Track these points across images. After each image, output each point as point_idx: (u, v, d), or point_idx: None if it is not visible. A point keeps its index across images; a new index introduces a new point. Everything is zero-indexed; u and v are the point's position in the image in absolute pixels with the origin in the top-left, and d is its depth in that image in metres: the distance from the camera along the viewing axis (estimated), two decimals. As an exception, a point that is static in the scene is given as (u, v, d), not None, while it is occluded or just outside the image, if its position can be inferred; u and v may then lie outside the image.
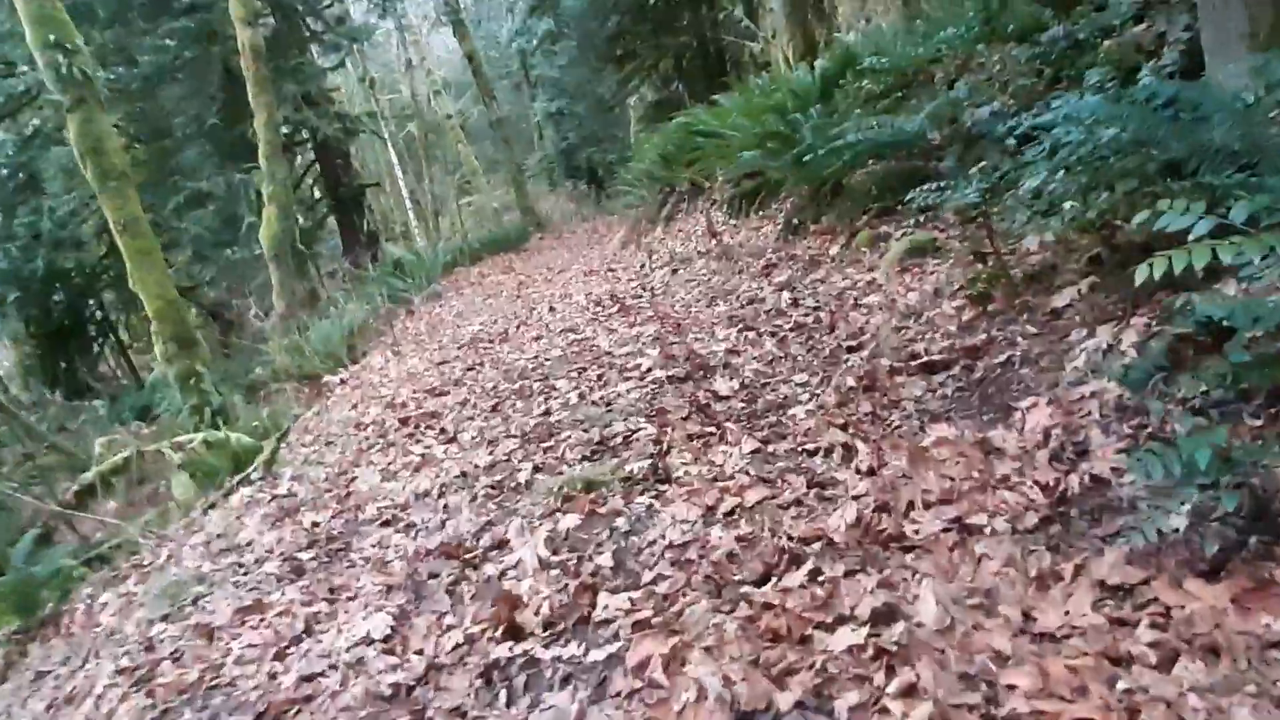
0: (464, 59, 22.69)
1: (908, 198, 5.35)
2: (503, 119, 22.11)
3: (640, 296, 7.77)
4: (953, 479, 2.55)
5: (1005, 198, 3.93)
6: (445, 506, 3.56)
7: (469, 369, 6.31)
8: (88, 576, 4.78)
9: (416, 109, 27.69)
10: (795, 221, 7.56)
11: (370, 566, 3.20)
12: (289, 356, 9.63)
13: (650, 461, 3.26)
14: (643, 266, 9.92)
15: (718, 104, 11.26)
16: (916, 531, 2.32)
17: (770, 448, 3.19)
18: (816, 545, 2.41)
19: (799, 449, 3.13)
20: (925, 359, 3.56)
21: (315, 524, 3.78)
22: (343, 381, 8.36)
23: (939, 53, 7.94)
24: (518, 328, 7.76)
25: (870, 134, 6.55)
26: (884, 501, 2.52)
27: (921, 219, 6.03)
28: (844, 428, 3.18)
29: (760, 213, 9.16)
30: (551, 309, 8.40)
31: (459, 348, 7.46)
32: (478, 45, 24.64)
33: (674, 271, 8.49)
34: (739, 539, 2.55)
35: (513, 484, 3.58)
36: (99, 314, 20.02)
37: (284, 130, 14.96)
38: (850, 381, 3.64)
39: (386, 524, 3.57)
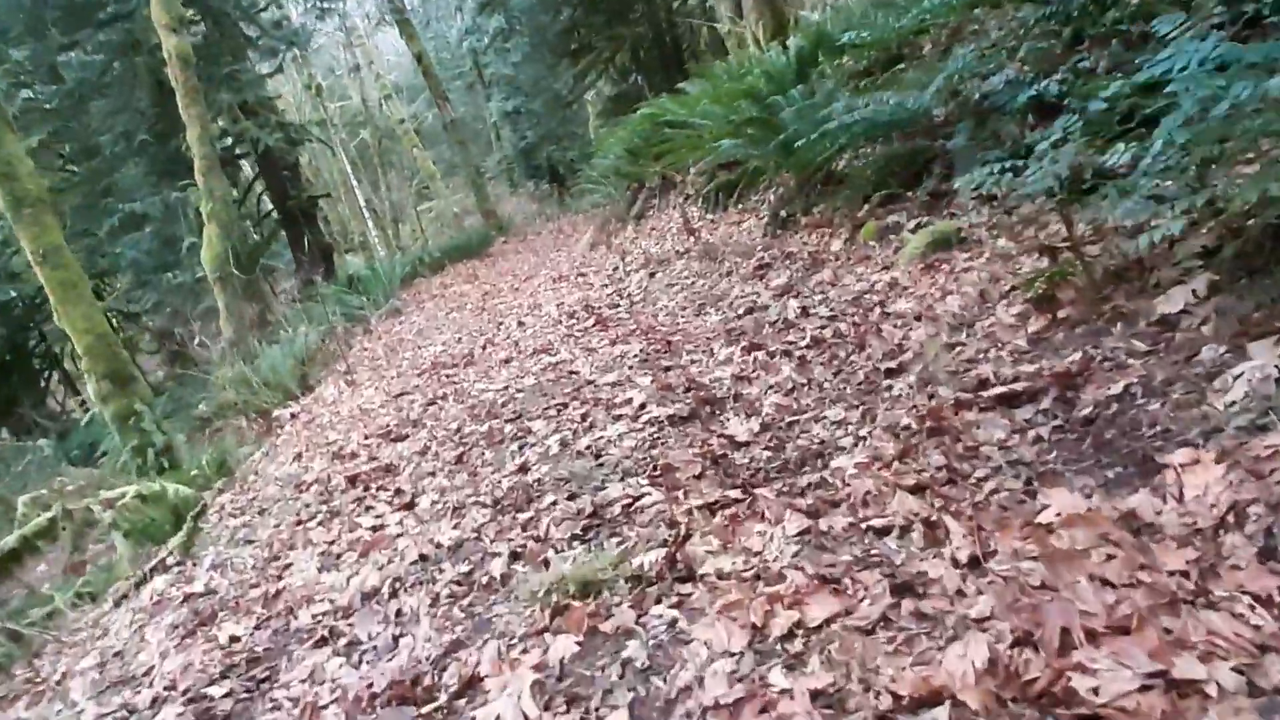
0: (414, 61, 21.64)
1: (956, 184, 4.56)
2: (457, 120, 21.12)
3: (618, 305, 6.94)
4: (1114, 585, 1.76)
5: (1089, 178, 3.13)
6: (399, 613, 2.71)
7: (430, 403, 5.44)
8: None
9: (368, 115, 26.58)
10: (783, 214, 6.77)
11: (300, 716, 2.35)
12: (234, 390, 8.68)
13: (664, 550, 2.44)
14: (615, 270, 9.08)
15: (683, 92, 10.44)
16: (1095, 691, 1.52)
17: (822, 523, 2.38)
18: (940, 714, 1.60)
19: (861, 524, 2.33)
20: (999, 387, 2.77)
21: (234, 639, 2.92)
22: (293, 416, 7.45)
23: (924, 22, 7.18)
24: (484, 348, 6.90)
25: (866, 113, 5.77)
26: (1023, 630, 1.72)
27: (935, 206, 5.26)
28: (916, 491, 2.38)
29: (740, 206, 8.38)
30: (520, 324, 7.54)
31: (419, 374, 6.58)
32: (427, 46, 23.59)
33: (652, 275, 7.67)
34: (815, 696, 1.73)
35: (485, 577, 2.74)
36: (42, 346, 18.79)
37: (224, 142, 13.91)
38: (905, 419, 2.85)
39: (323, 641, 2.71)
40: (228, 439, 8.53)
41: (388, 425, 5.24)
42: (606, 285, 8.27)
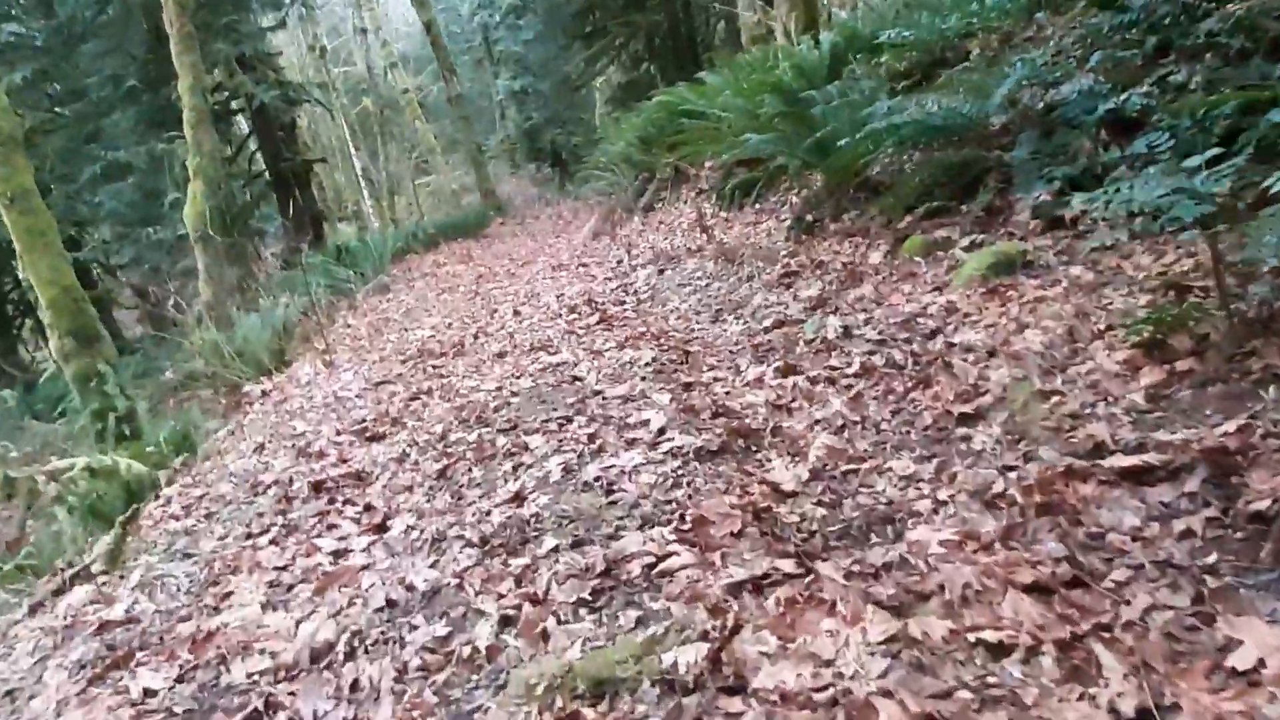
0: (423, 31, 20.90)
1: (1017, 199, 4.01)
2: (462, 95, 20.41)
3: (624, 303, 6.35)
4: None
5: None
6: (354, 685, 2.13)
7: (413, 398, 4.84)
8: None
9: (371, 82, 25.79)
10: (809, 219, 6.19)
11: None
12: (205, 358, 8.03)
13: (705, 644, 1.86)
14: (620, 263, 8.49)
15: (702, 82, 9.85)
16: None
17: (910, 627, 1.81)
18: None
19: (966, 635, 1.76)
20: (1122, 456, 2.21)
21: (149, 692, 2.32)
22: (264, 394, 6.82)
23: (972, 25, 6.62)
24: (475, 337, 6.29)
25: (915, 116, 5.21)
26: None
27: (989, 223, 4.70)
28: (1035, 591, 1.82)
29: (757, 205, 7.81)
30: (516, 313, 6.94)
31: (403, 361, 5.97)
32: (438, 17, 22.81)
33: (661, 271, 7.09)
34: None
35: (466, 647, 2.15)
36: (16, 292, 17.96)
37: (218, 96, 13.18)
38: (998, 483, 2.29)
39: (255, 717, 2.12)
40: (194, 411, 7.89)
41: (363, 420, 4.64)
42: (611, 279, 7.68)
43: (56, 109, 12.45)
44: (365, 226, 22.94)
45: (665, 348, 4.52)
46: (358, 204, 24.37)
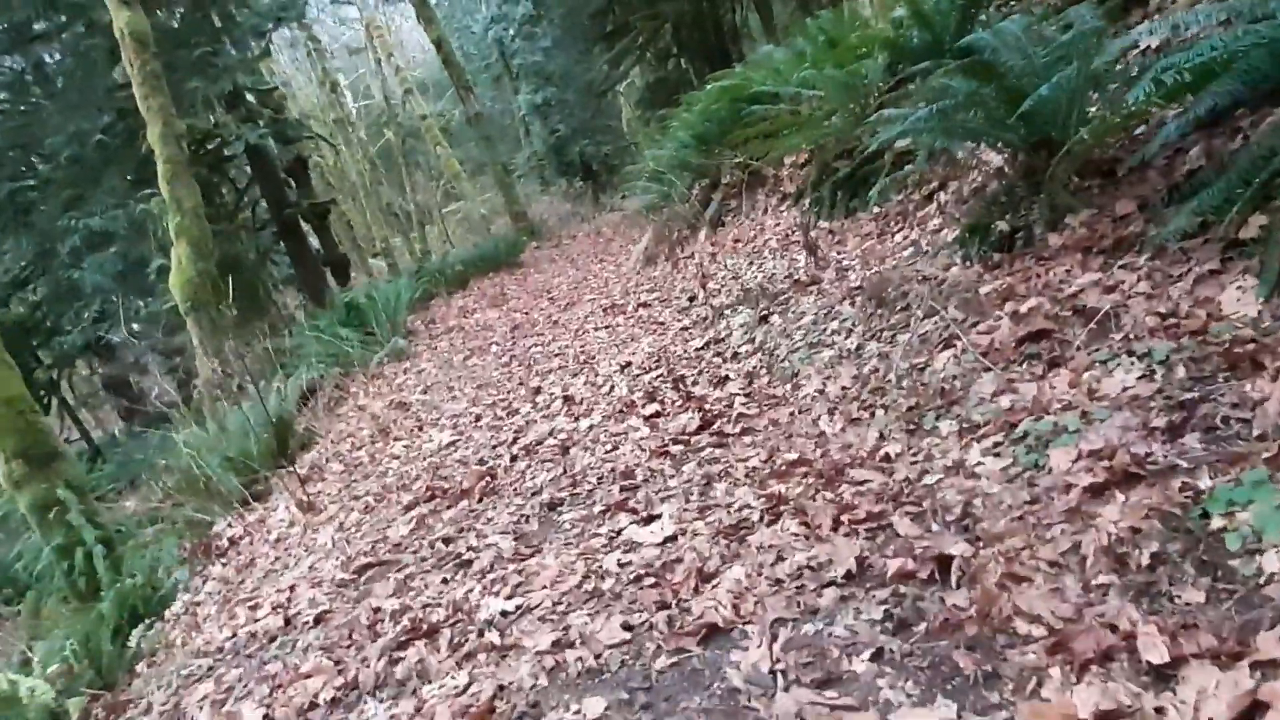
0: (435, 49, 18.84)
1: None
2: (482, 114, 18.31)
3: (726, 381, 4.10)
4: None
5: None
6: None
7: (405, 640, 2.60)
8: None
9: (390, 113, 23.84)
10: (1000, 227, 3.84)
11: None
12: (175, 485, 5.97)
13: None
14: (694, 301, 6.24)
15: (772, 57, 7.54)
16: None
17: None
18: None
19: None
20: None
21: None
22: (231, 543, 4.71)
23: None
24: (512, 456, 4.07)
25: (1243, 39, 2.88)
26: None
27: None
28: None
29: (875, 210, 5.50)
30: (568, 399, 4.71)
31: (406, 510, 3.76)
32: (450, 39, 20.74)
33: (764, 318, 4.81)
34: None
35: None
36: (37, 373, 16.27)
37: (208, 141, 11.18)
38: None
39: None
40: (166, 549, 5.82)
41: (334, 652, 2.45)
42: (689, 330, 5.43)
43: (32, 177, 10.55)
44: (395, 264, 20.98)
45: (866, 526, 2.25)
46: (386, 241, 22.43)
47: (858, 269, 4.90)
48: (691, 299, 6.32)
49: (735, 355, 4.48)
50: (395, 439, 5.05)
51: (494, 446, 4.29)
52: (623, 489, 3.11)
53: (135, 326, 10.51)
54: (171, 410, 8.02)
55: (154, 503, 6.04)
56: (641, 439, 3.59)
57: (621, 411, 4.13)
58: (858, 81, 5.90)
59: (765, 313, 4.89)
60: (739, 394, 3.84)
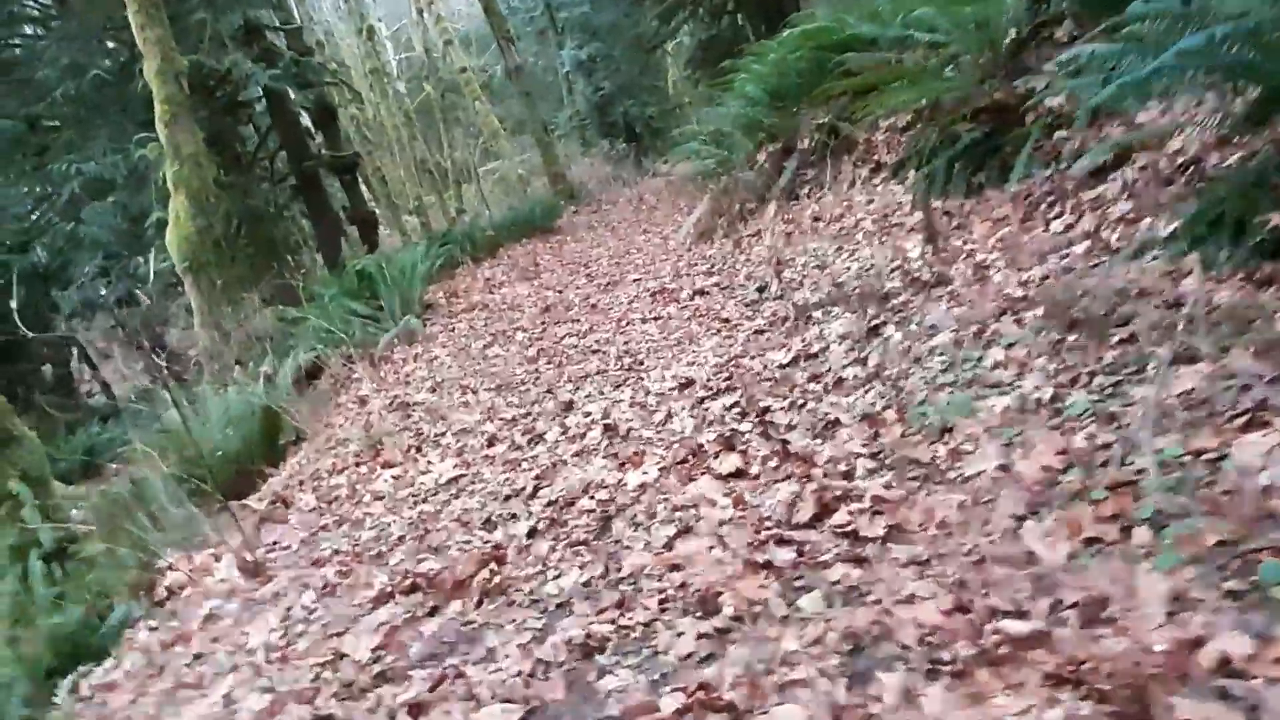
0: (481, 10, 17.39)
1: None
2: (522, 68, 16.91)
3: (832, 426, 2.81)
4: None
5: None
6: None
7: None
8: None
9: (430, 65, 22.46)
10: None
11: None
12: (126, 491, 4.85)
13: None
14: (763, 291, 4.94)
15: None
16: None
17: None
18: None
19: None
20: None
21: None
22: (171, 594, 3.56)
23: None
24: (532, 530, 2.81)
25: None
26: None
27: None
28: None
29: (1011, 188, 4.14)
30: (609, 427, 3.43)
31: (375, 606, 2.55)
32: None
33: (874, 328, 3.51)
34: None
35: None
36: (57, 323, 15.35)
37: (221, 85, 9.97)
38: None
39: None
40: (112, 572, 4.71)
41: None
42: (765, 334, 4.14)
43: (26, 116, 9.40)
44: (428, 223, 19.76)
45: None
46: (419, 199, 21.20)
47: (1001, 266, 3.56)
48: (762, 289, 5.01)
49: (840, 382, 3.18)
50: (385, 464, 3.84)
51: (506, 498, 3.05)
52: (702, 636, 1.86)
53: (140, 286, 9.43)
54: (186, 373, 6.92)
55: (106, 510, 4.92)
56: (723, 525, 2.33)
57: (686, 462, 2.87)
58: (993, 22, 4.50)
59: (875, 321, 3.58)
60: (862, 453, 2.56)
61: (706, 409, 3.32)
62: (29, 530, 5.49)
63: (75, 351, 15.85)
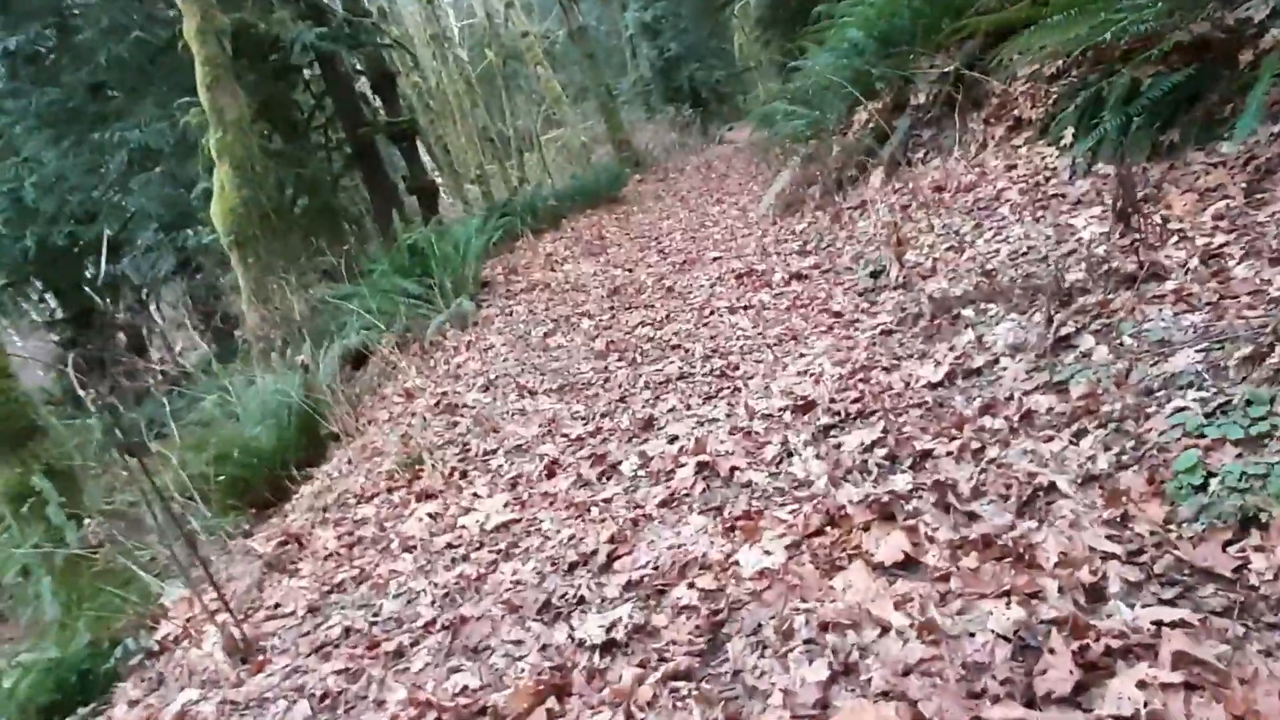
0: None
1: None
2: (585, 29, 15.90)
3: (1046, 494, 1.88)
4: None
5: None
6: None
7: None
8: None
9: (491, 30, 21.57)
10: None
11: None
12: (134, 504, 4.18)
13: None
14: (878, 276, 3.99)
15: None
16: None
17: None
18: None
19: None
20: None
21: None
22: (162, 648, 2.84)
23: None
24: (608, 637, 1.98)
25: None
26: None
27: None
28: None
29: (1233, 147, 3.11)
30: (706, 473, 2.56)
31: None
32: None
33: (1062, 339, 2.54)
34: None
35: None
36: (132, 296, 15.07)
37: (273, 48, 9.26)
38: None
39: None
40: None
41: None
42: (895, 335, 3.20)
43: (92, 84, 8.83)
44: (489, 192, 19.01)
45: None
46: (481, 168, 20.46)
47: (1236, 255, 2.57)
48: (877, 274, 4.05)
49: (1028, 417, 2.25)
50: (423, 494, 3.05)
51: (570, 567, 2.22)
52: None
53: (192, 260, 8.88)
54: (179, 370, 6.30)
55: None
56: (907, 674, 1.45)
57: (823, 534, 2.00)
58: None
59: (1060, 327, 2.61)
60: (1112, 553, 1.64)
61: (838, 446, 2.43)
62: (50, 531, 4.96)
63: (146, 322, 15.64)
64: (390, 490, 3.21)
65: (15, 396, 5.24)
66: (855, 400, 2.71)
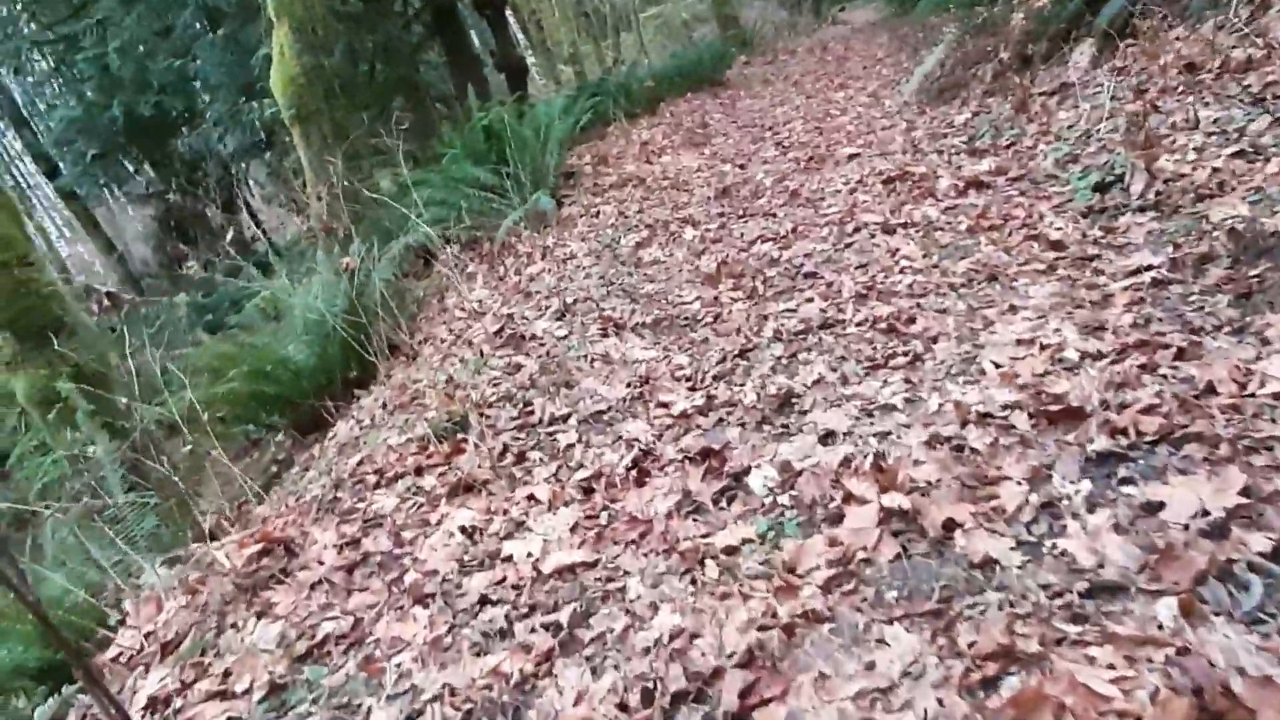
0: None
1: None
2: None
3: None
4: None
5: None
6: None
7: None
8: None
9: (589, -110, 19.42)
10: None
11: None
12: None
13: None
14: (1106, 190, 2.72)
15: None
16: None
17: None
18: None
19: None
20: None
21: None
22: (119, 656, 2.05)
23: None
24: None
25: None
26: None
27: None
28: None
29: None
30: (897, 525, 1.54)
31: None
32: None
33: None
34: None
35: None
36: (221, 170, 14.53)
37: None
38: None
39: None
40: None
41: None
42: (1165, 284, 2.00)
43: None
44: (582, 72, 17.47)
45: None
46: (574, 46, 18.84)
47: None
48: (1104, 186, 2.79)
49: None
50: (459, 485, 2.11)
51: (673, 700, 1.25)
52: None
53: (254, 135, 8.05)
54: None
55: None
56: None
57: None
58: None
59: None
60: None
61: (1129, 501, 1.34)
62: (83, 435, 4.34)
63: (235, 197, 15.16)
64: (420, 471, 2.29)
65: (38, 289, 4.56)
66: (1148, 409, 1.58)
